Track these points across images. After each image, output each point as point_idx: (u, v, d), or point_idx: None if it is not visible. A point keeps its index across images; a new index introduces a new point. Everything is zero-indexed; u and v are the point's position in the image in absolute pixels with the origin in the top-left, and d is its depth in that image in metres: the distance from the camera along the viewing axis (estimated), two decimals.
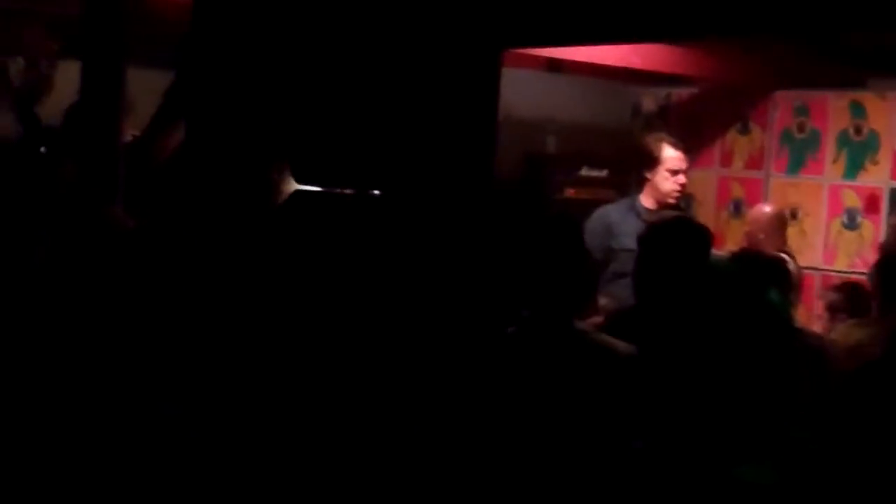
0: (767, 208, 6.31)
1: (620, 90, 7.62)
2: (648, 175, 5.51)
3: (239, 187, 4.26)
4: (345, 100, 4.59)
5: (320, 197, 4.37)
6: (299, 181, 4.33)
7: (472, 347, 3.54)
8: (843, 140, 6.77)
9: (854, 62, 6.41)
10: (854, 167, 6.72)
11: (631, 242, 5.23)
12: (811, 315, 5.45)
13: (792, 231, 6.54)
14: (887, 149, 6.56)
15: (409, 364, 3.83)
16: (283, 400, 3.61)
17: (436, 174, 4.50)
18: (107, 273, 3.78)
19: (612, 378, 3.31)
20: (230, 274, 3.85)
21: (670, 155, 5.48)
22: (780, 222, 6.19)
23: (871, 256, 5.99)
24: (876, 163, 6.62)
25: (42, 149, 4.66)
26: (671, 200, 5.42)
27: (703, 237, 4.01)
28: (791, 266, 5.14)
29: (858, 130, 6.70)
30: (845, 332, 4.50)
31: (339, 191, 4.44)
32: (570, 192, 7.05)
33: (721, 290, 3.75)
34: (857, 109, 6.70)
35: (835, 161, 6.81)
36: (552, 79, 7.21)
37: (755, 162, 7.21)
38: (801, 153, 6.96)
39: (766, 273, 4.28)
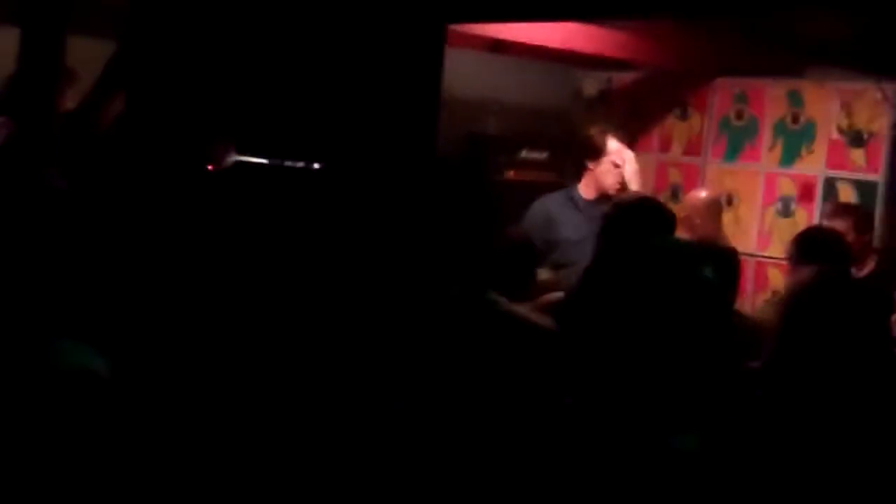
0: (703, 194, 6.33)
1: (563, 73, 7.65)
2: (591, 166, 5.43)
3: (178, 157, 4.26)
4: (289, 73, 4.60)
5: (262, 168, 4.38)
6: (241, 153, 4.34)
7: (409, 317, 3.59)
8: (780, 128, 6.83)
9: (793, 51, 6.48)
10: (790, 155, 6.79)
11: (570, 233, 5.29)
12: (744, 298, 5.53)
13: (727, 217, 6.61)
14: (823, 138, 6.63)
15: (347, 334, 3.86)
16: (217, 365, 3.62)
17: (378, 148, 4.52)
18: (38, 232, 3.77)
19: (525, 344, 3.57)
20: (165, 241, 3.85)
21: (615, 148, 5.40)
22: (716, 208, 6.24)
23: None
24: (812, 151, 6.69)
25: None
26: (612, 192, 5.30)
27: (667, 218, 4.08)
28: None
29: (795, 119, 6.77)
30: (768, 311, 4.60)
31: (281, 163, 4.45)
32: (510, 174, 7.05)
33: (657, 265, 3.81)
34: (795, 98, 6.77)
35: (771, 149, 6.89)
36: (495, 60, 7.23)
37: (693, 148, 7.27)
38: (738, 140, 7.04)
39: (705, 253, 4.36)
